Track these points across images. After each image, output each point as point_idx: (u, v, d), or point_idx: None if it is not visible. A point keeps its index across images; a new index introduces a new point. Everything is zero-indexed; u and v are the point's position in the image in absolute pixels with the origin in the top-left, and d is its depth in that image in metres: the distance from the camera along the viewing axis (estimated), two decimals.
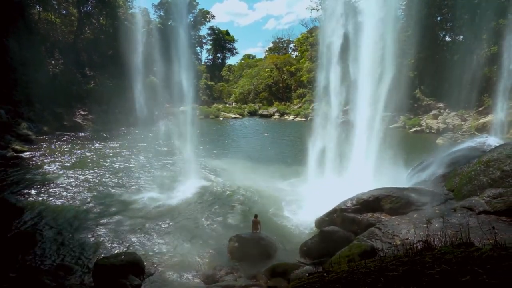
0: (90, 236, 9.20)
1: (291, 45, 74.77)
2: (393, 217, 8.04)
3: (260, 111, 54.99)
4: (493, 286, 1.99)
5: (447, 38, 41.30)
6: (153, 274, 7.20)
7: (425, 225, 6.61)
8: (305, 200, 12.08)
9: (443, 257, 2.70)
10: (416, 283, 2.27)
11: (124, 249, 8.30)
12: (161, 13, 57.82)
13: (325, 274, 3.03)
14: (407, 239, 5.49)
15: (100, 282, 6.37)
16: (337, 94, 14.92)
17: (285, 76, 60.88)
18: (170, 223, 10.28)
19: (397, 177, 12.55)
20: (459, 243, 3.19)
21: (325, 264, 6.21)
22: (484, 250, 2.64)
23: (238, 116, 51.04)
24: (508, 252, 2.48)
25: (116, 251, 8.11)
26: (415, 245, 3.79)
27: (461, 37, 38.34)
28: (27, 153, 18.80)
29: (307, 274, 4.41)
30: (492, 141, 12.83)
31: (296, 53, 68.58)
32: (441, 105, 36.05)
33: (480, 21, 31.96)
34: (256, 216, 9.43)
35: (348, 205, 9.07)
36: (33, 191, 12.50)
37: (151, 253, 8.28)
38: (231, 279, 7.00)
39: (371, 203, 8.77)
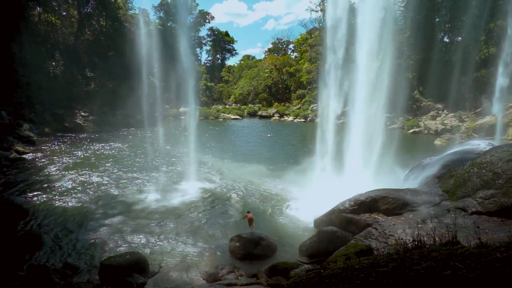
0: (94, 236, 9.42)
1: (291, 46, 75.13)
2: (390, 218, 8.29)
3: (259, 112, 55.26)
4: (471, 279, 2.23)
5: (446, 39, 41.60)
6: (157, 273, 7.43)
7: (419, 225, 6.86)
8: (305, 200, 12.31)
9: (430, 254, 2.95)
10: (403, 277, 2.52)
11: (128, 249, 8.52)
12: (161, 14, 58.02)
13: (322, 270, 3.28)
14: (402, 238, 5.73)
15: (106, 280, 6.59)
16: (337, 96, 15.15)
17: (285, 77, 61.14)
18: (172, 224, 10.51)
19: (394, 178, 12.79)
20: (446, 241, 3.45)
21: (324, 263, 6.46)
22: (467, 248, 2.89)
23: (237, 117, 51.30)
24: (488, 250, 2.73)
25: (121, 251, 8.33)
26: (407, 244, 4.04)
27: (460, 38, 38.63)
28: (29, 154, 19.01)
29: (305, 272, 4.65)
30: (486, 143, 13.09)
31: (295, 54, 68.88)
32: (440, 106, 36.35)
33: (478, 23, 32.26)
34: (248, 212, 10.36)
35: (346, 206, 9.30)
36: (37, 192, 12.72)
37: (154, 253, 8.50)
38: (232, 277, 7.22)
39: (369, 204, 9.00)
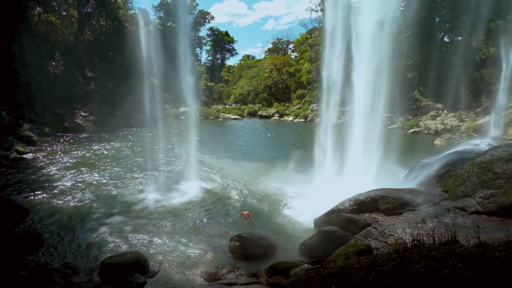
0: (94, 236, 9.44)
1: (291, 46, 75.21)
2: (389, 217, 8.30)
3: (259, 112, 55.31)
4: (469, 277, 2.25)
5: (446, 39, 41.64)
6: (157, 273, 7.44)
7: (419, 225, 6.87)
8: (305, 200, 12.33)
9: (429, 253, 2.97)
10: (402, 275, 2.54)
11: (129, 248, 8.54)
12: (161, 14, 58.06)
13: (321, 269, 3.29)
14: (402, 238, 5.74)
15: (107, 279, 6.60)
16: (337, 95, 15.15)
17: (285, 77, 61.15)
18: (172, 223, 10.53)
19: (394, 178, 12.82)
20: (446, 241, 3.46)
21: (323, 263, 6.47)
22: (466, 247, 2.91)
23: (237, 117, 51.32)
24: (486, 249, 2.74)
25: (121, 250, 8.35)
26: (406, 243, 4.06)
27: (460, 38, 38.65)
28: (29, 154, 19.03)
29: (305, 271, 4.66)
30: (486, 143, 13.12)
31: (295, 54, 68.94)
32: (440, 106, 36.39)
33: (479, 22, 32.31)
34: (245, 210, 10.50)
35: (346, 205, 9.32)
36: (37, 192, 12.74)
37: (154, 252, 8.52)
38: (232, 277, 7.23)
39: (368, 204, 9.02)
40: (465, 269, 2.36)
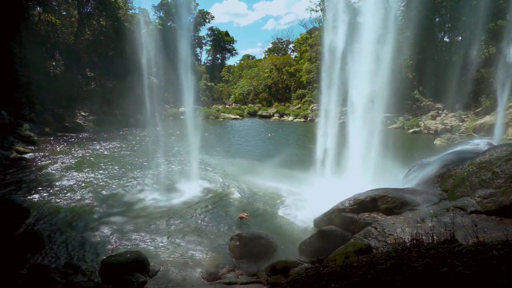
0: (95, 235, 9.46)
1: (291, 46, 75.29)
2: (389, 217, 8.32)
3: (259, 112, 55.39)
4: (467, 275, 2.27)
5: (446, 39, 41.72)
6: (158, 272, 7.46)
7: (418, 224, 6.90)
8: (305, 200, 12.36)
9: (428, 252, 2.99)
10: (401, 274, 2.56)
11: (129, 248, 8.56)
12: (161, 14, 58.04)
13: (321, 268, 3.31)
14: (401, 237, 5.76)
15: (107, 279, 6.62)
16: (337, 95, 15.18)
17: (285, 77, 61.19)
18: (173, 223, 10.54)
19: (394, 178, 12.85)
20: (444, 240, 3.48)
21: (323, 262, 6.48)
22: (464, 246, 2.93)
23: (238, 117, 51.37)
24: (484, 248, 2.76)
25: (121, 250, 8.35)
26: (406, 242, 4.08)
27: (460, 38, 38.70)
28: (30, 154, 19.05)
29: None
30: (485, 143, 13.15)
31: (295, 53, 69.00)
32: (440, 106, 36.44)
33: (478, 23, 32.31)
34: (242, 213, 10.67)
35: (346, 205, 9.33)
36: (37, 192, 12.76)
37: (155, 252, 8.54)
38: (232, 276, 7.25)
39: (368, 203, 9.03)
40: (463, 268, 2.38)
